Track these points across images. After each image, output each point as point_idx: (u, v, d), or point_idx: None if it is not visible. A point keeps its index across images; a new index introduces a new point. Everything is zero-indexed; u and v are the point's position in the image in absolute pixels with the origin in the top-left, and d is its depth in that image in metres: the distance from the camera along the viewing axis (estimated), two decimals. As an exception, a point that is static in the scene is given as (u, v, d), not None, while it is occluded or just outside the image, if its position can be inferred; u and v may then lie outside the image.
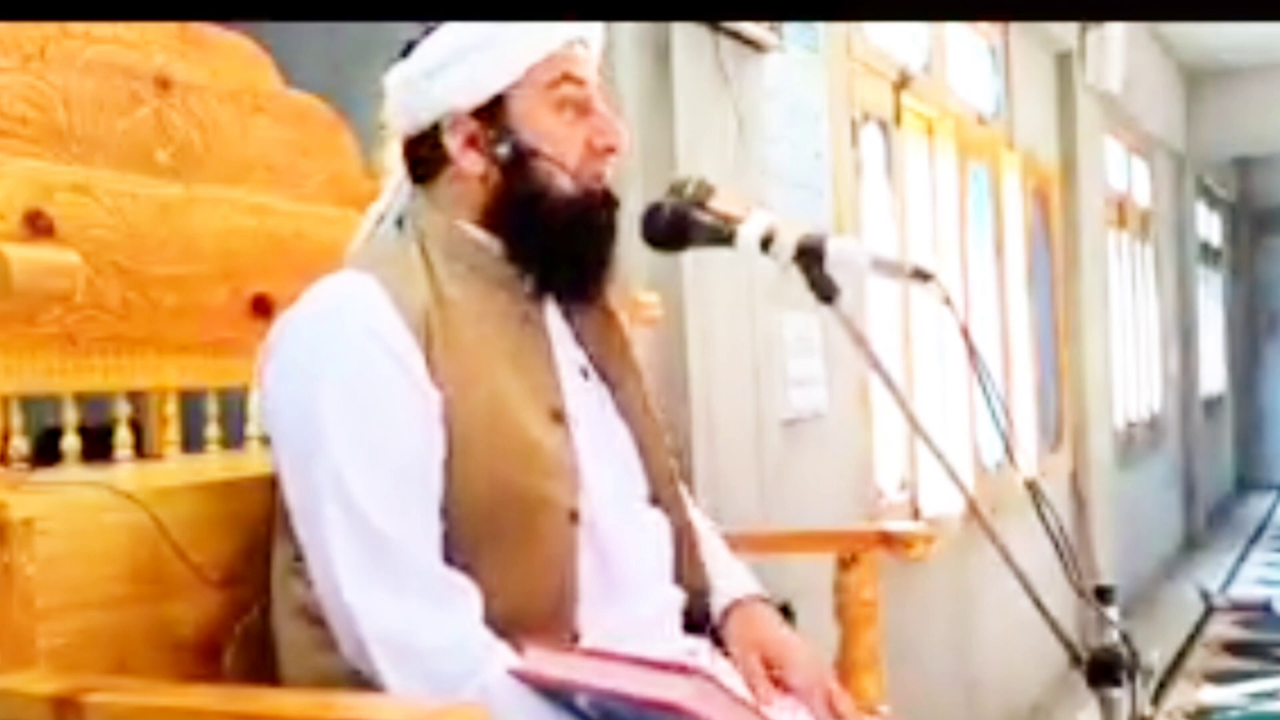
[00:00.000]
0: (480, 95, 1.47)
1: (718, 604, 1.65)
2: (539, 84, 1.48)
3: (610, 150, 1.51)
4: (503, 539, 1.41)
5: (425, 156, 1.51)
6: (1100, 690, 1.36)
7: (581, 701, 1.29)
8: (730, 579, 1.68)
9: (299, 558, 1.40)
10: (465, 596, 1.37)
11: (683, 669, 1.23)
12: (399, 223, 1.54)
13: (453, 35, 1.49)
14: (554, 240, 1.49)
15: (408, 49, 1.53)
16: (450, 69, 1.48)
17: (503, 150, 1.47)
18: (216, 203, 1.76)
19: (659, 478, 1.60)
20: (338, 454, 1.34)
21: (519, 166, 1.48)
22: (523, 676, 1.32)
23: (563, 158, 1.48)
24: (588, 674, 1.29)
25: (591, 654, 1.38)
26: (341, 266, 1.50)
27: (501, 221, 1.49)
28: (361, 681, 1.35)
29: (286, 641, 1.45)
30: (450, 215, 1.50)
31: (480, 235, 1.50)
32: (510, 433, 1.42)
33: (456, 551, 1.38)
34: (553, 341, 1.54)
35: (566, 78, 1.49)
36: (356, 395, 1.37)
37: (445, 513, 1.39)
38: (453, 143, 1.49)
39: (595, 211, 1.51)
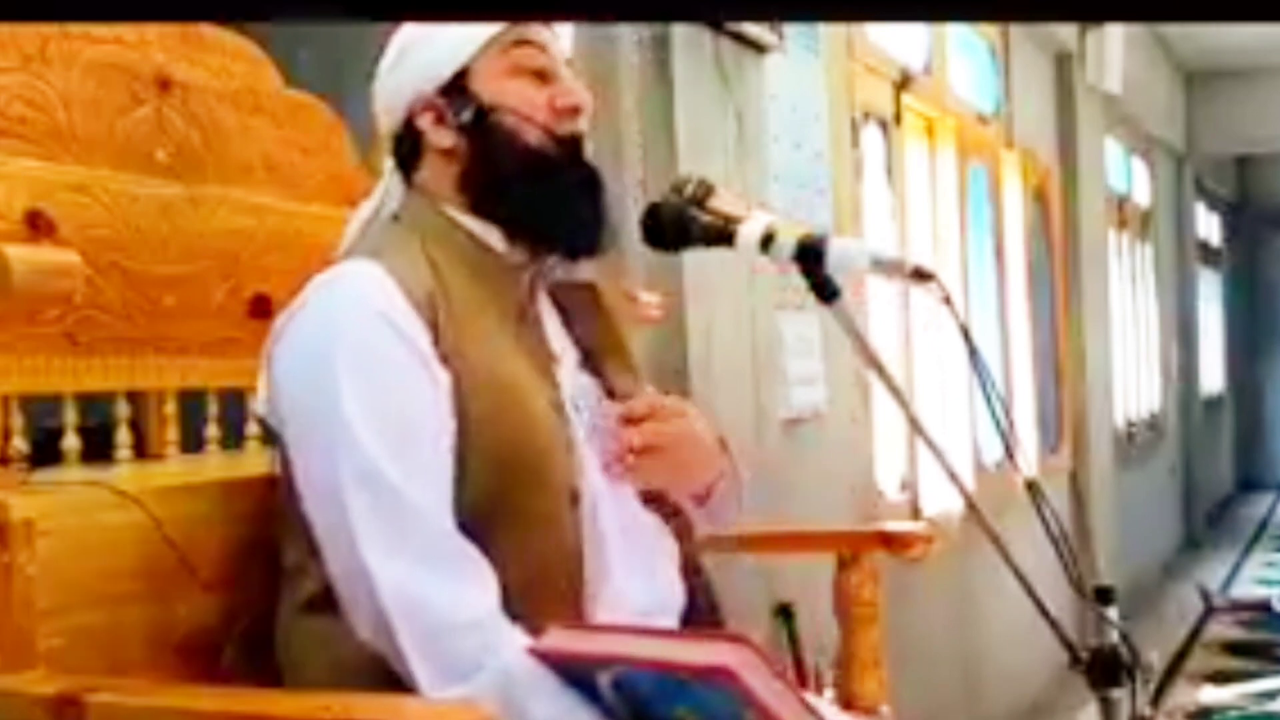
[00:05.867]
0: (442, 74, 1.51)
1: None
2: (498, 52, 1.51)
3: (575, 110, 1.53)
4: (507, 520, 1.42)
5: (407, 149, 1.55)
6: (1100, 690, 1.36)
7: (603, 681, 1.29)
8: None
9: (310, 553, 1.40)
10: (483, 572, 1.38)
11: (729, 637, 1.23)
12: (396, 218, 1.56)
13: (410, 25, 1.52)
14: (531, 192, 1.50)
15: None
16: (410, 55, 1.52)
17: (466, 116, 1.50)
18: (216, 203, 1.76)
19: None
20: (357, 433, 1.35)
21: (483, 127, 1.50)
22: (542, 654, 1.32)
23: (531, 109, 1.51)
24: (616, 646, 1.29)
25: (621, 628, 1.39)
26: (332, 262, 1.51)
27: (479, 190, 1.51)
28: (376, 669, 1.35)
29: (298, 636, 1.45)
30: (436, 200, 1.53)
31: (475, 225, 1.52)
32: (513, 415, 1.44)
33: (464, 534, 1.39)
34: (548, 336, 1.56)
35: (525, 42, 1.52)
36: (372, 377, 1.38)
37: (454, 497, 1.40)
38: (424, 122, 1.52)
39: (569, 159, 1.53)
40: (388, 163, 1.58)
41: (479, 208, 1.52)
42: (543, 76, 1.53)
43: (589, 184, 1.54)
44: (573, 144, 1.53)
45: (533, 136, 1.50)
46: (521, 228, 1.51)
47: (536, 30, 1.52)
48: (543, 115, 1.51)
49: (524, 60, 1.52)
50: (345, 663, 1.39)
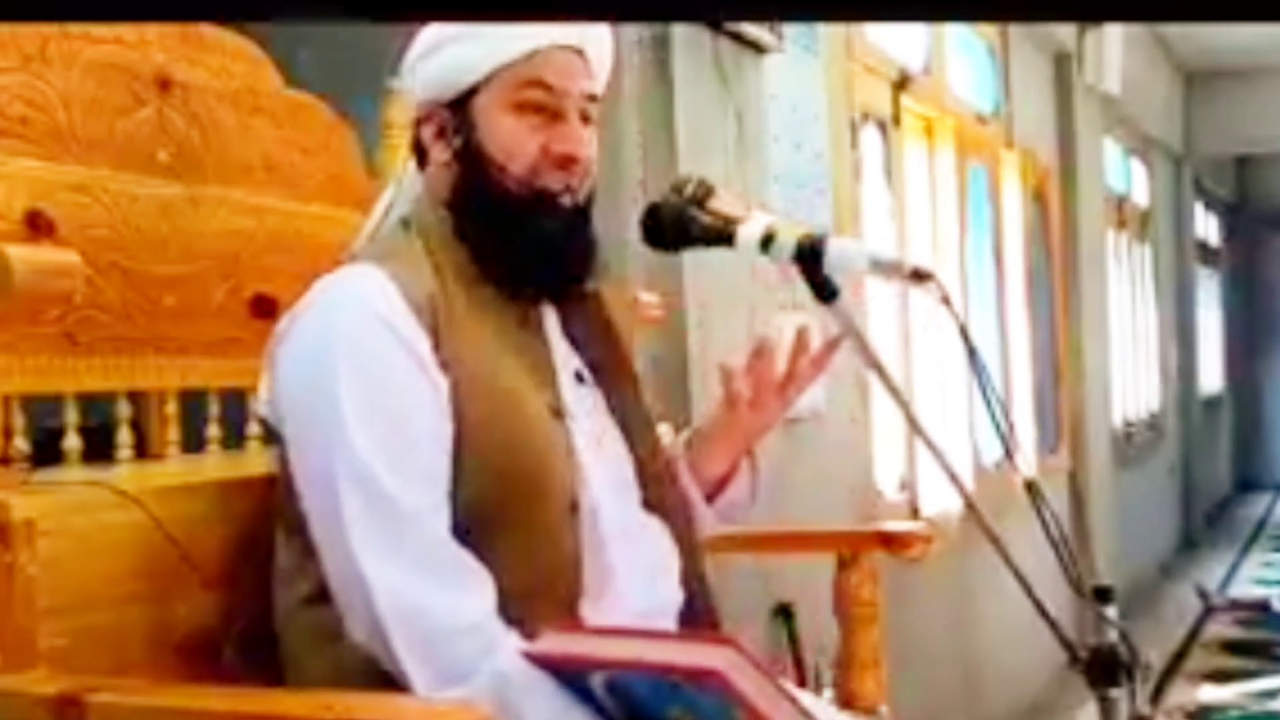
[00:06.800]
0: (451, 88, 1.50)
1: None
2: (507, 84, 1.49)
3: (568, 159, 1.49)
4: (505, 528, 1.42)
5: (420, 149, 1.56)
6: (1099, 690, 1.36)
7: (597, 683, 1.29)
8: None
9: (308, 552, 1.40)
10: (479, 578, 1.38)
11: (717, 639, 1.24)
12: (405, 223, 1.56)
13: (438, 25, 1.51)
14: (499, 237, 1.50)
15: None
16: (428, 59, 1.52)
17: (457, 142, 1.51)
18: (216, 203, 1.76)
19: (652, 481, 1.61)
20: (354, 435, 1.36)
21: (470, 161, 1.50)
22: (537, 658, 1.32)
23: (509, 159, 1.48)
24: (608, 649, 1.29)
25: (614, 630, 1.39)
26: (341, 264, 1.51)
27: (460, 212, 1.52)
28: (374, 665, 1.35)
29: (296, 633, 1.46)
30: (438, 205, 1.53)
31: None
32: (511, 423, 1.44)
33: (461, 539, 1.39)
34: (550, 343, 1.55)
35: (536, 82, 1.48)
36: (370, 380, 1.38)
37: (451, 500, 1.40)
38: (426, 131, 1.53)
39: (543, 216, 1.49)
40: (410, 163, 1.59)
41: (460, 223, 1.52)
42: (548, 116, 1.49)
43: (563, 233, 1.51)
44: (553, 197, 1.50)
45: (511, 185, 1.48)
46: (485, 259, 1.50)
47: (556, 73, 1.49)
48: (528, 161, 1.48)
49: (532, 98, 1.49)
50: (345, 656, 1.39)
